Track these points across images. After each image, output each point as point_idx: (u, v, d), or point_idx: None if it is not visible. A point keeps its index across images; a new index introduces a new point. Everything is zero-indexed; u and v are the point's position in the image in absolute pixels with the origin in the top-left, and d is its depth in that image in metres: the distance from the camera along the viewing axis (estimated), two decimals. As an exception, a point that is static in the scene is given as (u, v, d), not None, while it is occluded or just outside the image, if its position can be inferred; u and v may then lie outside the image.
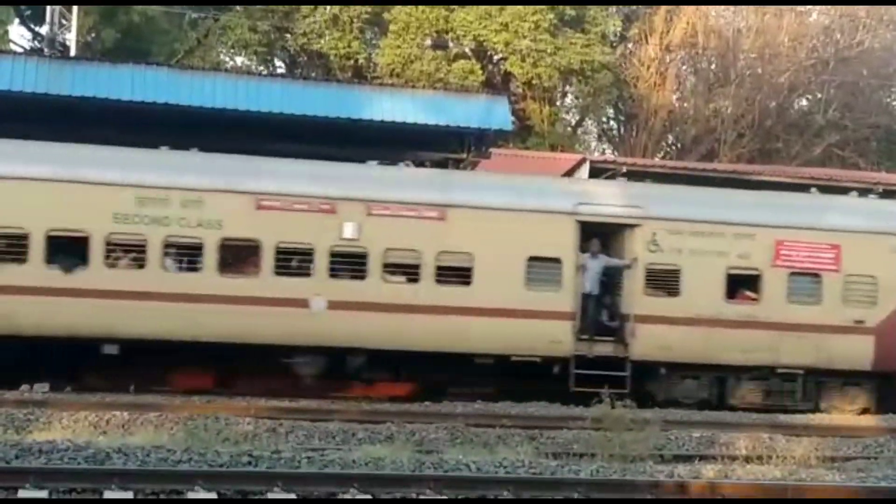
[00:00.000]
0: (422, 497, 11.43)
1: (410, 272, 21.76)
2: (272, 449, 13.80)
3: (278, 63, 45.29)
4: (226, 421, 16.94)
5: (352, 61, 40.81)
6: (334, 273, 21.54)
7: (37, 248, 20.55)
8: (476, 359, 22.01)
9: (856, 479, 13.70)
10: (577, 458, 14.82)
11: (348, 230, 21.42)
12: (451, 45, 40.61)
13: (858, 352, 22.95)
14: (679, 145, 44.71)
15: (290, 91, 26.44)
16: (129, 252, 20.99)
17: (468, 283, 21.83)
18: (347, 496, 11.23)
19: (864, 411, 22.99)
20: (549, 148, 39.22)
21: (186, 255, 21.30)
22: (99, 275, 20.70)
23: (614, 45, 43.93)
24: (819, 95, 44.60)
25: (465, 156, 26.89)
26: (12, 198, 20.48)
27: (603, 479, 12.74)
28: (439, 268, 21.75)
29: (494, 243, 21.81)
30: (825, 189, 25.54)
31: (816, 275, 22.93)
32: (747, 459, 15.37)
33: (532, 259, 22.02)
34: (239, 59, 43.84)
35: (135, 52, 37.03)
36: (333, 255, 21.47)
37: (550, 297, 21.99)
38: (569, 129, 45.28)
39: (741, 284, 22.72)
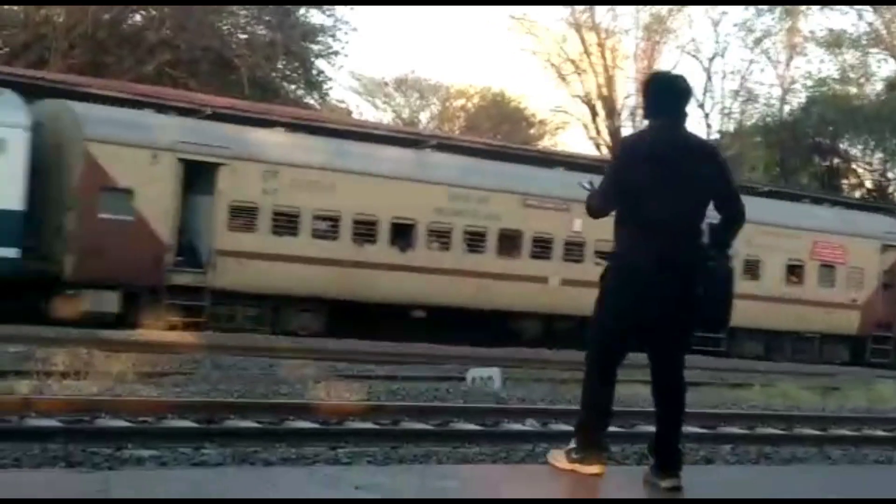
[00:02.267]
0: None
1: None
2: None
3: None
4: None
5: None
6: None
7: None
8: None
9: (171, 394, 14.04)
10: None
11: None
12: None
13: None
14: (7, 50, 42.87)
15: None
16: None
17: None
18: None
19: (173, 327, 23.63)
20: None
21: None
22: None
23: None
24: (153, 13, 44.64)
25: None
26: None
27: None
28: None
29: None
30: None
31: None
32: (64, 375, 15.20)
33: None
34: None
35: None
36: None
37: None
38: None
39: None
